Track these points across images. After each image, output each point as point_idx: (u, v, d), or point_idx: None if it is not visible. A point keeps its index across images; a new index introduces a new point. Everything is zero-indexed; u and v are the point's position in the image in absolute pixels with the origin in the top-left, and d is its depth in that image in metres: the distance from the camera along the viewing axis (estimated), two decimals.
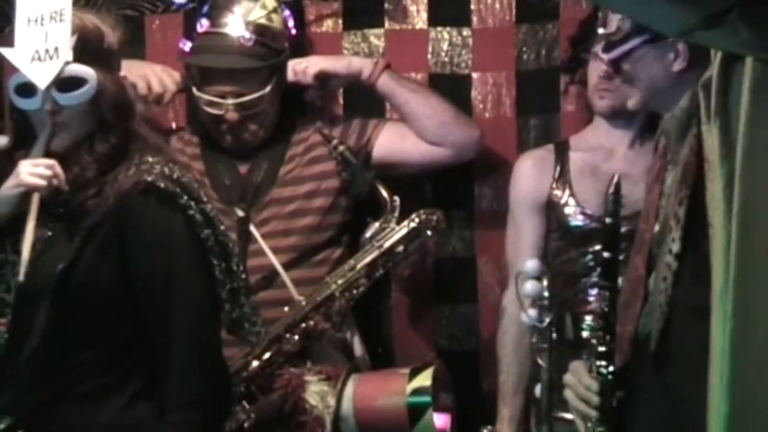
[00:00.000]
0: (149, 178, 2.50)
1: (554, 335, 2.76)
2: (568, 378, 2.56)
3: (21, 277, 2.48)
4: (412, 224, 3.23)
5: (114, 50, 2.60)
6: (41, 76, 2.50)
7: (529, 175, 3.34)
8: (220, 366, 2.58)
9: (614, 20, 2.47)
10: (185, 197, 2.52)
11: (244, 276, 2.65)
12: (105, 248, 2.50)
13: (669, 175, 2.50)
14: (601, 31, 2.52)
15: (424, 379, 3.09)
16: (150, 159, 2.54)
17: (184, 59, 3.35)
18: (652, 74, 2.47)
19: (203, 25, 3.31)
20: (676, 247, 2.40)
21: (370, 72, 3.38)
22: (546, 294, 2.73)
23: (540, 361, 2.77)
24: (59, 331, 2.49)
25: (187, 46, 3.34)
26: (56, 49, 2.51)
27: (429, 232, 3.24)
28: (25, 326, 2.51)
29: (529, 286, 2.75)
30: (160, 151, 2.60)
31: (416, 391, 3.09)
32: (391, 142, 3.38)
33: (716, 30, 1.88)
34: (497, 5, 3.55)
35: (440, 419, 3.11)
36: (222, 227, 2.59)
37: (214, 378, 2.55)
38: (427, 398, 3.08)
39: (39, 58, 2.51)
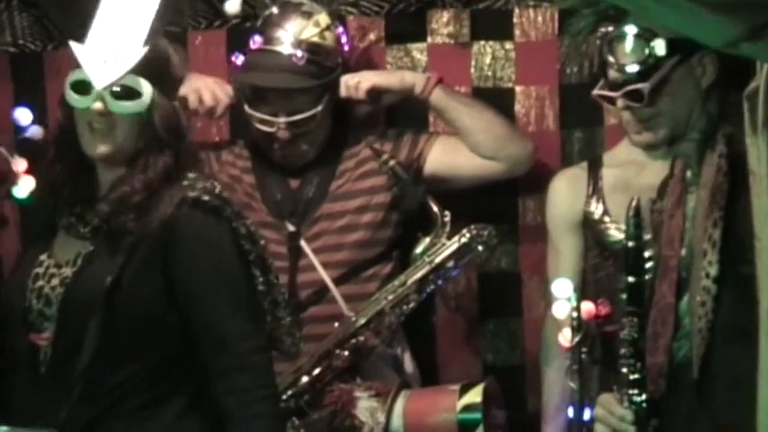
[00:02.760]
0: (192, 194, 2.53)
1: (584, 356, 2.76)
2: (598, 411, 2.52)
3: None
4: (463, 239, 3.22)
5: (175, 79, 2.64)
6: (101, 77, 2.53)
7: (563, 194, 3.31)
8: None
9: (638, 50, 2.43)
10: (228, 210, 2.56)
11: (282, 290, 2.69)
12: (149, 261, 2.52)
13: (691, 198, 2.47)
14: (627, 64, 2.46)
15: (475, 395, 3.09)
16: (191, 175, 2.57)
17: (235, 75, 3.36)
18: (688, 95, 2.44)
19: (256, 41, 3.31)
20: (714, 271, 2.37)
21: (423, 87, 3.37)
22: (575, 314, 2.72)
23: (570, 383, 2.77)
24: (108, 346, 2.50)
25: (239, 59, 3.34)
26: (123, 56, 2.53)
27: (480, 248, 3.23)
28: (70, 342, 2.52)
29: (558, 307, 2.75)
30: (200, 169, 2.65)
31: (466, 408, 3.09)
32: (444, 157, 3.37)
33: (762, 41, 1.87)
34: (540, 18, 3.54)
35: None
36: (262, 242, 2.62)
37: (274, 375, 2.61)
38: (478, 415, 3.07)
39: (104, 60, 2.53)
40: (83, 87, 2.55)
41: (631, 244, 2.48)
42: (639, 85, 2.48)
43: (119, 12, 2.56)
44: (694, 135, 2.44)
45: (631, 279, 2.47)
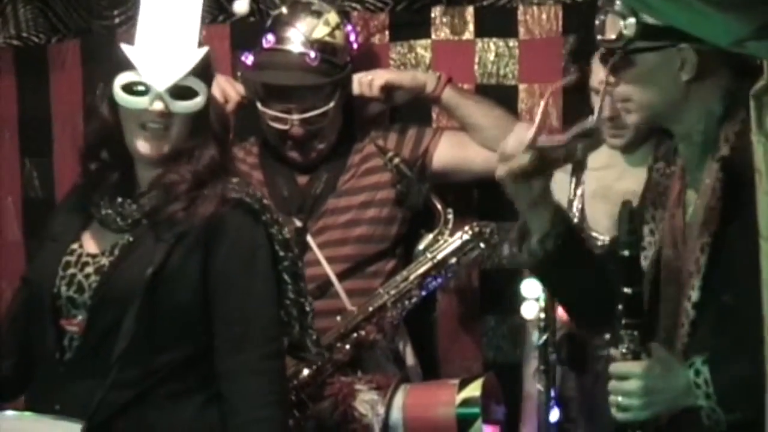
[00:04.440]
0: (235, 195, 2.59)
1: (552, 357, 2.76)
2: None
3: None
4: (466, 236, 3.25)
5: (214, 75, 2.71)
6: (160, 79, 2.54)
7: None
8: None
9: (614, 26, 2.36)
10: (268, 215, 2.61)
11: (311, 300, 2.73)
12: (190, 255, 2.56)
13: (690, 201, 2.44)
14: (599, 38, 2.37)
15: (474, 389, 3.10)
16: (234, 179, 2.63)
17: (246, 74, 3.39)
18: (661, 84, 2.38)
19: (269, 41, 3.34)
20: (695, 296, 2.31)
21: (434, 86, 3.40)
22: (543, 315, 2.71)
23: (538, 385, 2.75)
24: (144, 335, 2.53)
25: (249, 59, 3.37)
26: (179, 56, 2.56)
27: (482, 245, 3.26)
28: (104, 330, 2.55)
29: (527, 307, 2.74)
30: (238, 174, 2.71)
31: (465, 402, 3.10)
32: (452, 152, 3.40)
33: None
34: (544, 16, 3.54)
35: (490, 431, 3.11)
36: (296, 251, 2.69)
37: (287, 381, 2.70)
38: (476, 409, 3.09)
39: (159, 61, 2.55)
40: (137, 88, 2.56)
41: (626, 253, 2.30)
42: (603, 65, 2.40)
43: (164, 11, 2.58)
44: (694, 137, 2.39)
45: (627, 290, 2.29)
